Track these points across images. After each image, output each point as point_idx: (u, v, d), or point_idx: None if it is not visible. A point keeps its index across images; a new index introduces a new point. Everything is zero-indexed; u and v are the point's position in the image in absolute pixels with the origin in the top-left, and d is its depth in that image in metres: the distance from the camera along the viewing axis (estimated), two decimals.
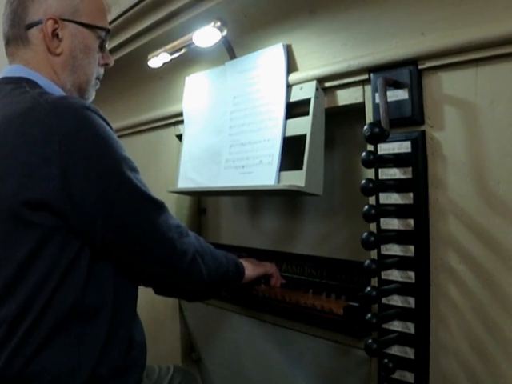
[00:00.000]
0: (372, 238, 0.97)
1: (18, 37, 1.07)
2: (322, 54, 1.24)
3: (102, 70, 1.20)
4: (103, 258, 0.96)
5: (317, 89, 1.23)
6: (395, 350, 1.03)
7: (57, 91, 1.05)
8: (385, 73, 1.06)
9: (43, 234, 0.89)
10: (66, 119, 0.91)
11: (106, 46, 1.18)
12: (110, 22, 1.57)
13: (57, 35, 1.06)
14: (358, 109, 1.15)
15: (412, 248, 1.01)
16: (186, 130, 1.66)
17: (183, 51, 1.56)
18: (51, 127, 0.89)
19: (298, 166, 1.22)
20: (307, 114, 1.23)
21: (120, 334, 0.98)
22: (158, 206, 1.02)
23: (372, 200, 1.07)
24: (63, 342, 0.90)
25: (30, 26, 1.06)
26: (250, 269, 1.27)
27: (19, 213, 0.88)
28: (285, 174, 1.26)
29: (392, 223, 1.04)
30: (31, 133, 0.90)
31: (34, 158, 0.89)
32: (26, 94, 0.96)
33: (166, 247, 1.02)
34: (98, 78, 1.18)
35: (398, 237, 1.02)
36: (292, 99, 1.29)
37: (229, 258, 1.22)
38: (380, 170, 1.06)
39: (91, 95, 1.18)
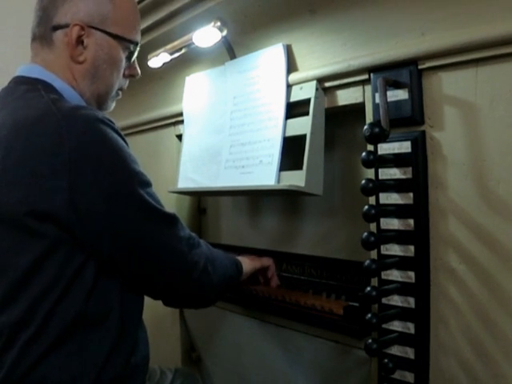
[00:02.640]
0: (372, 238, 0.97)
1: (42, 36, 1.04)
2: (322, 54, 1.24)
3: (126, 81, 1.15)
4: (110, 271, 0.94)
5: (317, 89, 1.23)
6: (395, 350, 1.03)
7: (73, 96, 1.02)
8: (385, 73, 1.06)
9: (48, 244, 0.87)
10: (77, 131, 0.88)
11: (134, 57, 1.13)
12: None
13: (81, 42, 1.03)
14: (358, 109, 1.15)
15: (412, 248, 1.01)
16: (185, 130, 1.66)
17: (183, 51, 1.56)
18: (62, 138, 0.87)
19: (298, 166, 1.22)
20: (307, 114, 1.23)
21: (124, 343, 0.96)
22: (169, 221, 0.99)
23: (372, 200, 1.07)
24: (66, 351, 0.89)
25: (55, 28, 1.02)
26: (247, 263, 1.27)
27: (25, 222, 0.86)
28: (285, 173, 1.26)
29: (392, 223, 1.04)
30: (41, 142, 0.87)
31: (42, 169, 0.86)
32: (39, 99, 0.93)
33: (176, 261, 1.00)
34: (120, 89, 1.14)
35: (398, 237, 1.02)
36: (292, 99, 1.29)
37: (229, 258, 1.21)
38: (380, 170, 1.06)
39: (109, 106, 1.14)
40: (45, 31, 1.04)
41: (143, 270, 0.98)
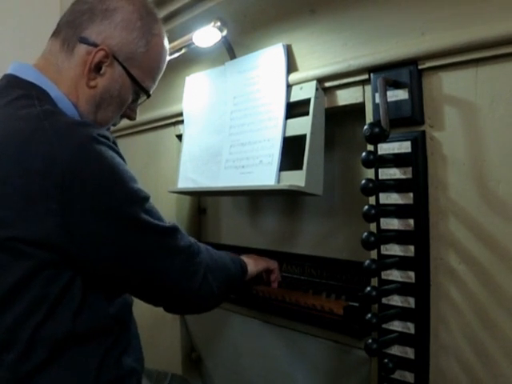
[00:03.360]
0: (372, 238, 0.97)
1: (66, 39, 0.99)
2: (322, 54, 1.24)
3: (121, 120, 1.13)
4: (98, 285, 0.91)
5: (317, 89, 1.23)
6: (395, 350, 1.03)
7: (68, 107, 0.96)
8: (385, 73, 1.06)
9: (34, 264, 0.83)
10: (71, 152, 0.83)
11: (139, 103, 1.11)
12: None
13: (99, 68, 0.99)
14: (358, 109, 1.15)
15: (412, 248, 1.01)
16: (186, 130, 1.66)
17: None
18: (54, 159, 0.82)
19: (298, 166, 1.22)
20: (307, 114, 1.23)
21: (117, 349, 0.95)
22: (166, 235, 0.97)
23: (372, 200, 1.07)
24: (58, 368, 0.86)
25: (82, 40, 0.97)
26: (252, 265, 1.26)
27: (10, 245, 0.82)
28: (285, 174, 1.26)
29: (392, 223, 1.04)
30: (32, 162, 0.82)
31: (33, 190, 0.82)
32: (31, 109, 0.88)
33: (176, 274, 0.99)
34: (114, 124, 1.11)
35: (398, 237, 1.02)
36: (292, 99, 1.29)
37: (234, 260, 1.20)
38: (380, 170, 1.06)
39: None
40: (71, 37, 0.99)
41: (143, 285, 0.97)
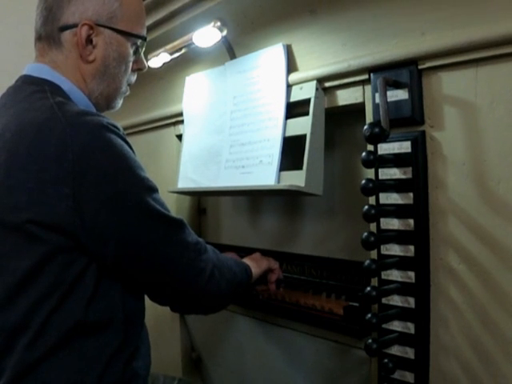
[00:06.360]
0: (372, 238, 0.97)
1: (50, 37, 1.02)
2: (322, 54, 1.24)
3: (134, 76, 1.14)
4: (112, 274, 0.93)
5: (317, 89, 1.23)
6: (395, 350, 1.03)
7: (81, 98, 1.02)
8: (385, 73, 1.06)
9: (49, 249, 0.86)
10: (82, 139, 0.87)
11: (142, 51, 1.12)
12: None
13: (90, 41, 1.01)
14: (358, 109, 1.15)
15: (412, 248, 1.01)
16: (186, 130, 1.66)
17: (183, 51, 1.57)
18: (66, 145, 0.86)
19: (298, 166, 1.22)
20: (307, 114, 1.23)
21: (126, 348, 0.95)
22: (175, 226, 0.98)
23: (372, 200, 1.07)
24: (66, 357, 0.88)
25: (64, 29, 1.01)
26: (256, 267, 1.26)
27: (27, 228, 0.85)
28: (285, 173, 1.26)
29: (392, 223, 1.04)
30: (45, 148, 0.86)
31: (46, 175, 0.85)
32: (45, 101, 0.92)
33: (183, 268, 0.99)
34: (129, 84, 1.13)
35: (398, 237, 1.02)
36: (292, 99, 1.29)
37: (239, 264, 1.20)
38: (380, 170, 1.06)
39: (118, 104, 1.13)
40: (52, 32, 1.02)
41: (149, 277, 0.97)
